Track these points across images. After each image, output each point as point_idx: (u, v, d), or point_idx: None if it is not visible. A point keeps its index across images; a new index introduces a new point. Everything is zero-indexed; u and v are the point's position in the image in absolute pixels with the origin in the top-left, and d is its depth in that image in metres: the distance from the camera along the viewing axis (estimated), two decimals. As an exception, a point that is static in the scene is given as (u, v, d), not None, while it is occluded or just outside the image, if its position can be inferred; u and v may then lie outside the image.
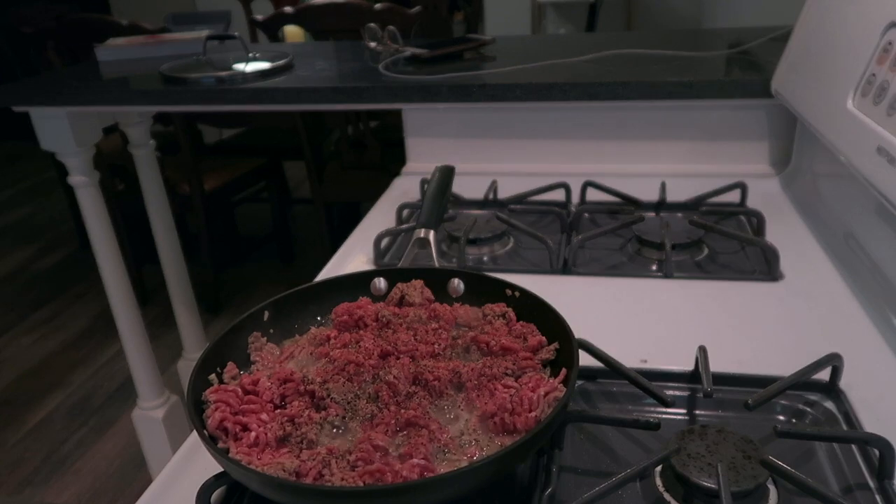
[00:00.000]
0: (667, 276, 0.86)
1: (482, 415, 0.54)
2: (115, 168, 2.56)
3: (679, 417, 0.62)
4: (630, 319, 0.77)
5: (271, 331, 0.66)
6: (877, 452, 0.53)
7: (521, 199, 1.07)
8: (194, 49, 1.63)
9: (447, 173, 0.93)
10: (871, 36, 0.78)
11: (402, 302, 0.68)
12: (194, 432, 0.57)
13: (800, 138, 1.10)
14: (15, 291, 3.13)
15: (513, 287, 0.67)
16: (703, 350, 0.64)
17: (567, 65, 1.31)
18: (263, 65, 1.43)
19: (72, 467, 2.08)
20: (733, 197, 1.04)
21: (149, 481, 0.70)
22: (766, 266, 0.86)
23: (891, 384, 0.64)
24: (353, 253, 0.98)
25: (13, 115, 1.57)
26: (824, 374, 0.62)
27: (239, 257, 3.23)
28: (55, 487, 2.01)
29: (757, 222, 0.96)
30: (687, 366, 0.65)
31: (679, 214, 1.02)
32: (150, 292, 2.90)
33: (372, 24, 1.54)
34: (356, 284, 0.71)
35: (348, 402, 0.55)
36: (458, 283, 0.70)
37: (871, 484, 0.53)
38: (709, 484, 0.50)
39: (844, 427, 0.59)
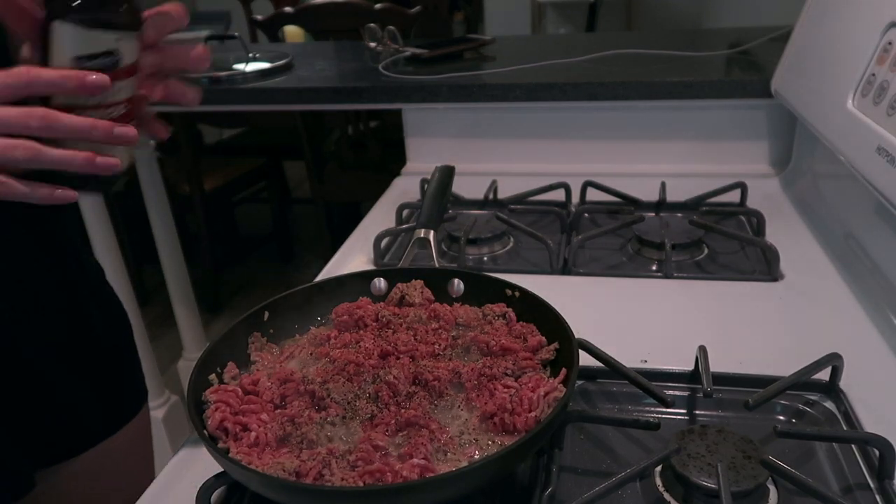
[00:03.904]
0: (667, 276, 0.86)
1: (482, 415, 0.54)
2: (115, 168, 2.55)
3: (679, 417, 0.62)
4: (630, 319, 0.77)
5: (271, 331, 0.66)
6: (877, 452, 0.53)
7: (521, 199, 1.07)
8: (194, 49, 1.63)
9: (447, 173, 0.93)
10: (871, 36, 0.78)
11: (402, 302, 0.68)
12: (194, 432, 0.57)
13: (800, 138, 1.10)
14: (15, 291, 3.13)
15: (513, 287, 0.67)
16: (703, 350, 0.64)
17: (567, 65, 1.31)
18: (263, 65, 1.43)
19: (72, 467, 2.08)
20: (733, 197, 1.04)
21: (149, 481, 0.70)
22: (766, 266, 0.86)
23: (891, 384, 0.64)
24: (353, 253, 0.97)
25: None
26: (824, 374, 0.62)
27: (239, 257, 3.22)
28: (55, 487, 2.01)
29: (757, 222, 0.96)
30: (687, 366, 0.65)
31: (679, 214, 1.02)
32: (149, 292, 2.89)
33: (372, 24, 1.54)
34: (356, 284, 0.71)
35: (348, 402, 0.55)
36: (458, 283, 0.70)
37: (871, 484, 0.53)
38: (709, 484, 0.50)
39: (844, 427, 0.59)
